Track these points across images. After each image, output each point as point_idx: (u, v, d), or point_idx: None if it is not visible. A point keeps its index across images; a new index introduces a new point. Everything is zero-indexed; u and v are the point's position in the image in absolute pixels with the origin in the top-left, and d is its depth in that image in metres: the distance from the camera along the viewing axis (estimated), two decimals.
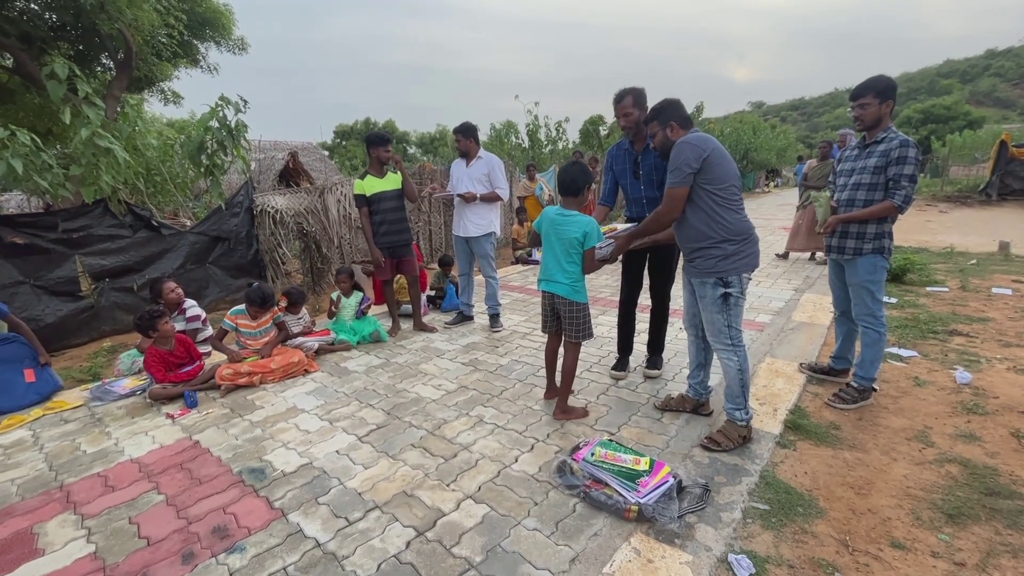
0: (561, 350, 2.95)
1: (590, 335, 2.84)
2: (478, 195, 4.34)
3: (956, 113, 38.41)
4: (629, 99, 3.01)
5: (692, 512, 2.05)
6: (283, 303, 4.22)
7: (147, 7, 7.44)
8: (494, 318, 4.63)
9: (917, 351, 3.74)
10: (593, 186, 9.63)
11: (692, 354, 2.85)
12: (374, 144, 4.30)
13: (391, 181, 4.33)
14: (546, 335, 3.05)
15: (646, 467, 2.18)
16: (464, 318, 4.81)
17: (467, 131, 4.40)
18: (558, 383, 2.99)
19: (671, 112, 2.52)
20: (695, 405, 2.89)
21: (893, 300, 5.03)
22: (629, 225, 2.97)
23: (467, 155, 4.44)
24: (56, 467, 2.63)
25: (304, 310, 4.35)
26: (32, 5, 8.08)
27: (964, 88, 76.87)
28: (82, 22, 7.60)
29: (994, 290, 5.29)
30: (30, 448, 2.85)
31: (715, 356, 2.66)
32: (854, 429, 2.73)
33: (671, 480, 2.12)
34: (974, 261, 6.87)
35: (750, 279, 2.55)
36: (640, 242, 2.85)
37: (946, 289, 5.42)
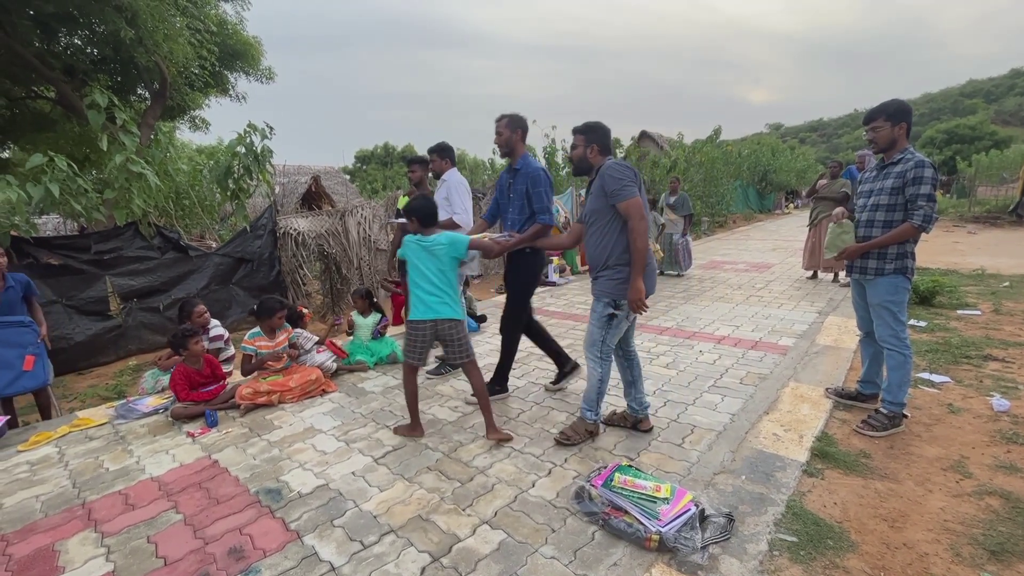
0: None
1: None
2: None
3: (981, 133, 37.77)
4: (505, 120, 3.18)
5: (716, 543, 1.97)
6: (308, 314, 4.32)
7: (182, 40, 7.82)
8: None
9: (950, 377, 3.60)
10: None
11: (621, 374, 2.97)
12: (406, 164, 4.52)
13: None
14: (449, 368, 3.23)
15: (667, 494, 2.12)
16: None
17: (444, 151, 4.10)
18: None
19: (599, 136, 2.70)
20: (634, 422, 2.96)
21: (923, 324, 4.87)
22: (503, 235, 3.18)
23: (438, 177, 4.11)
24: (79, 484, 2.67)
25: (307, 330, 4.39)
26: (75, 40, 8.56)
27: (989, 108, 75.59)
28: (121, 55, 8.02)
29: None
30: (55, 465, 2.90)
31: (641, 377, 2.94)
32: (885, 458, 2.62)
33: (693, 508, 2.06)
34: (1007, 283, 6.64)
35: None
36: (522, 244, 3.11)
37: (978, 312, 5.24)
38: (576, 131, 2.77)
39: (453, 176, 4.02)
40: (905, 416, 2.94)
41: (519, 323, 3.41)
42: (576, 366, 3.61)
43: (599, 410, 2.84)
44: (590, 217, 2.72)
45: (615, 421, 3.03)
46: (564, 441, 2.79)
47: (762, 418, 3.06)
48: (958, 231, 13.85)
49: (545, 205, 3.20)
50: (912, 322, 4.94)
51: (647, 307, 2.58)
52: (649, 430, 2.94)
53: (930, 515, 2.16)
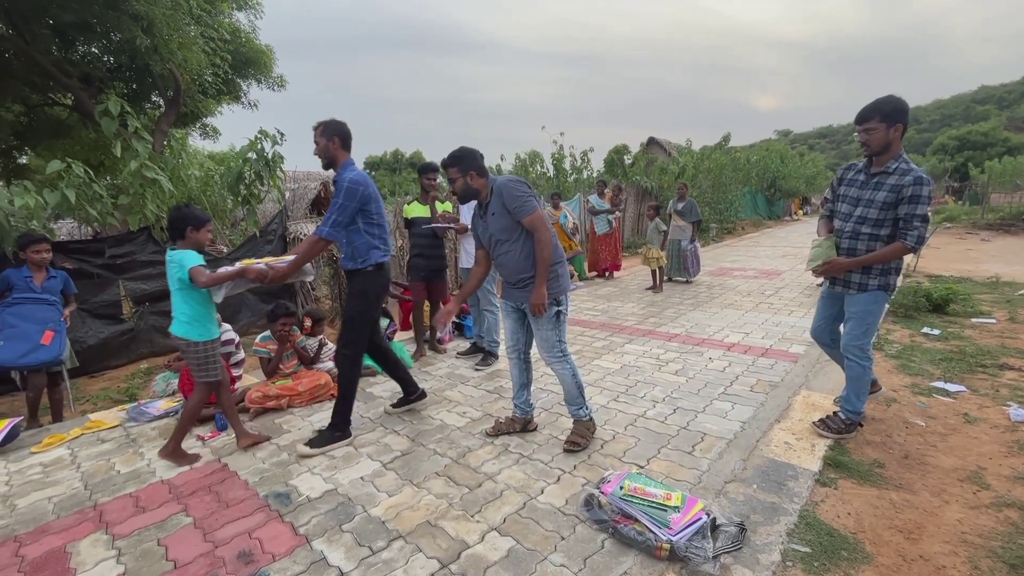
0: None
1: (216, 375, 2.87)
2: (469, 226, 4.20)
3: (994, 139, 37.42)
4: (319, 128, 2.93)
5: (727, 552, 1.95)
6: (307, 323, 4.30)
7: (196, 49, 7.95)
8: (487, 355, 4.39)
9: (965, 386, 3.54)
10: (618, 214, 9.50)
11: (515, 376, 3.01)
12: (420, 172, 4.55)
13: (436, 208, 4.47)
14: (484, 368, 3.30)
15: (678, 503, 2.09)
16: (477, 349, 4.61)
17: (439, 168, 4.16)
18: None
19: (470, 162, 2.71)
20: (523, 424, 3.04)
21: (936, 332, 4.81)
22: (286, 258, 2.97)
23: None
24: (91, 486, 2.69)
25: (323, 334, 4.41)
26: (92, 48, 8.73)
27: (1001, 114, 74.80)
28: (136, 63, 8.17)
29: None
30: (68, 467, 2.93)
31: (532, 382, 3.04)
32: (900, 468, 2.58)
33: (704, 517, 2.03)
34: (1022, 291, 6.54)
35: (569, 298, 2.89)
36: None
37: (993, 321, 5.16)
38: (446, 165, 2.75)
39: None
40: (860, 426, 2.93)
41: (353, 355, 3.01)
42: (422, 395, 3.46)
43: (587, 403, 2.88)
44: (500, 235, 2.72)
45: (503, 429, 3.03)
46: (574, 448, 2.79)
47: (773, 426, 3.03)
48: (971, 238, 13.68)
49: (332, 217, 2.81)
50: (925, 330, 4.88)
51: (545, 312, 2.67)
52: (535, 429, 3.07)
53: (947, 527, 2.13)
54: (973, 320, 5.21)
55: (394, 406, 3.46)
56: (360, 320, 3.00)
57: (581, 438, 2.82)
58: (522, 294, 2.76)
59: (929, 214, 2.58)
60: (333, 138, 2.90)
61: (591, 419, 2.90)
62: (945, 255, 9.93)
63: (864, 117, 2.59)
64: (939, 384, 3.58)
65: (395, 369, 3.41)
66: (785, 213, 25.98)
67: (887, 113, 2.51)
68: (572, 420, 2.93)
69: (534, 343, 2.91)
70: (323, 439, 2.94)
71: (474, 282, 3.04)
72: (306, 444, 2.91)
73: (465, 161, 2.71)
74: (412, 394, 3.44)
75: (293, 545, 2.11)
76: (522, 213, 2.61)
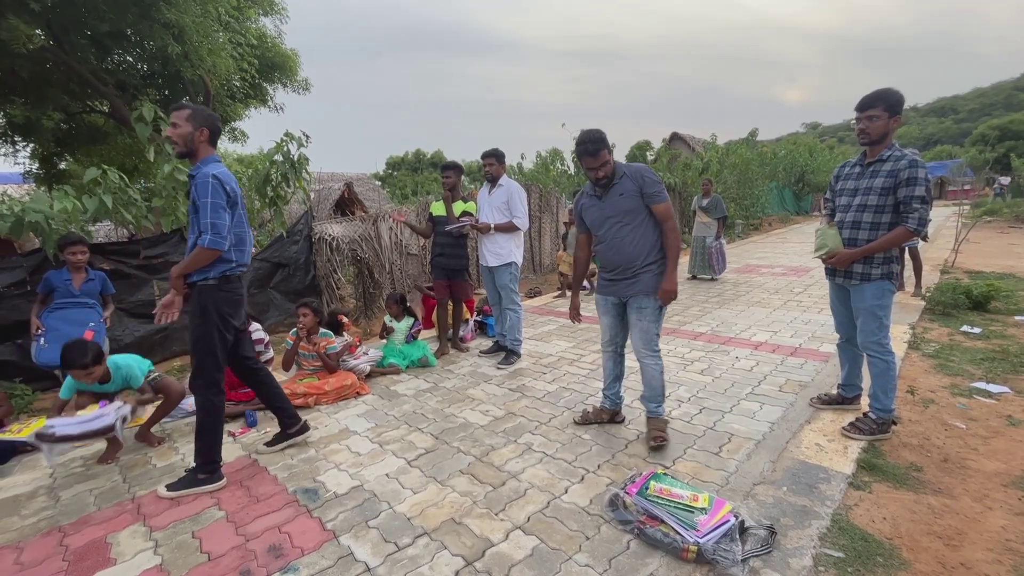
0: None
1: None
2: (492, 226, 4.28)
3: None
4: (186, 112, 2.51)
5: (756, 556, 1.91)
6: (347, 323, 4.39)
7: (224, 55, 8.15)
8: (509, 353, 4.40)
9: (1008, 387, 3.39)
10: None
11: (609, 369, 3.06)
12: (442, 172, 4.61)
13: (456, 208, 4.50)
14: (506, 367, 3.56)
15: (705, 504, 2.06)
16: (499, 347, 4.61)
17: (501, 156, 4.33)
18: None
19: (607, 144, 2.75)
20: (612, 415, 3.10)
21: (977, 331, 4.61)
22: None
23: (494, 181, 4.35)
24: (129, 479, 2.79)
25: (345, 333, 4.47)
26: (127, 57, 9.04)
27: None
28: (168, 70, 8.43)
29: None
30: None
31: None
32: (939, 472, 2.49)
33: (732, 519, 1.99)
34: None
35: None
36: None
37: None
38: (601, 146, 2.66)
39: (511, 181, 4.34)
40: (894, 424, 2.82)
41: (204, 384, 2.64)
42: (304, 428, 3.03)
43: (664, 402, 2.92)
44: (623, 219, 2.74)
45: (591, 419, 3.10)
46: (662, 443, 2.76)
47: (803, 427, 2.96)
48: (1014, 232, 13.08)
49: (208, 222, 2.37)
50: (965, 328, 4.69)
51: (675, 297, 2.76)
52: (622, 421, 3.12)
53: (990, 534, 2.04)
54: (1017, 318, 4.98)
55: (268, 444, 3.00)
56: (205, 343, 2.58)
57: (663, 432, 2.81)
58: (627, 285, 2.78)
59: (928, 196, 2.53)
60: (203, 128, 2.52)
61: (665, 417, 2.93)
62: (986, 250, 9.50)
63: (868, 104, 2.61)
64: (980, 385, 3.43)
65: (270, 397, 2.97)
66: (814, 208, 25.29)
67: (891, 103, 2.57)
68: (647, 417, 2.92)
69: (630, 338, 2.93)
70: (184, 482, 2.60)
71: (580, 268, 3.20)
72: (166, 486, 2.60)
73: (605, 143, 2.72)
74: (291, 427, 3.00)
75: (321, 540, 2.15)
76: (656, 200, 2.69)
